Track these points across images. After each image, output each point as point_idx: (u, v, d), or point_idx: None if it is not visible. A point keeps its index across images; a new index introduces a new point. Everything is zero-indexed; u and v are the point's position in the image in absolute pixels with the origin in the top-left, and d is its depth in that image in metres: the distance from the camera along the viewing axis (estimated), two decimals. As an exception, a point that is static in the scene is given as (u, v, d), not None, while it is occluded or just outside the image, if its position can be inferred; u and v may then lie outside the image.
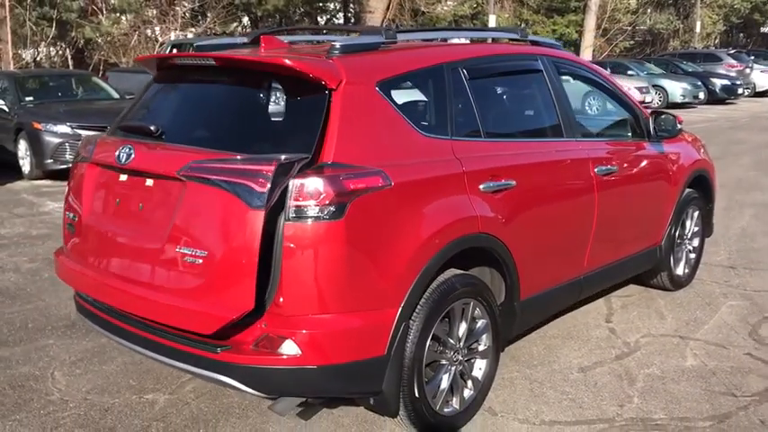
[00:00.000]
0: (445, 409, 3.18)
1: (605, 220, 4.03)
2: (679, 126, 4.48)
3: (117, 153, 3.02)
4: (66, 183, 3.56)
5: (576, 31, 32.61)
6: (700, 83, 22.83)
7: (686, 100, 22.01)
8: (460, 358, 3.24)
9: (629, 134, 4.51)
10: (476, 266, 3.38)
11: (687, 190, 5.01)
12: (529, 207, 3.45)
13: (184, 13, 18.52)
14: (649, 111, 4.59)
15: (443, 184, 3.03)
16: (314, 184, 2.60)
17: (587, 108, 4.77)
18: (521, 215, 3.40)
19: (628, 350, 4.17)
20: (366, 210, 2.71)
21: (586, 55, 31.39)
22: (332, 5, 27.57)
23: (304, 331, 2.65)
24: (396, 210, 2.81)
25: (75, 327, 4.44)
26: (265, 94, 2.90)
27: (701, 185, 5.22)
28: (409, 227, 2.85)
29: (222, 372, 2.70)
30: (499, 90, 3.74)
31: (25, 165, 9.90)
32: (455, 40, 4.29)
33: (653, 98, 20.93)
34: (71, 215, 3.33)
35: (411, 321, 2.92)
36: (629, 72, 22.97)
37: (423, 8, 25.51)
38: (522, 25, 33.46)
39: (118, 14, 17.10)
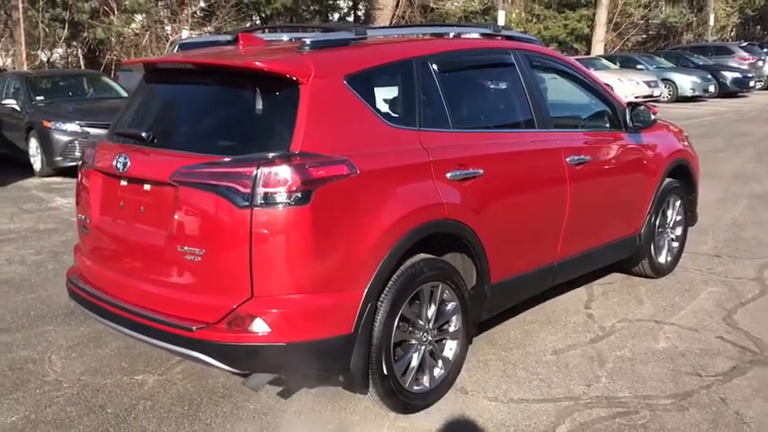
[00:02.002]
0: (415, 387, 3.34)
1: (579, 208, 4.17)
2: (653, 117, 4.60)
3: (114, 162, 3.21)
4: (75, 180, 3.76)
5: (588, 26, 32.55)
6: (710, 76, 22.76)
7: (696, 93, 21.97)
8: (430, 338, 3.40)
9: (607, 125, 4.64)
10: (449, 252, 3.55)
11: (668, 179, 5.13)
12: (497, 195, 3.60)
13: (194, 13, 18.76)
14: (626, 102, 4.71)
15: (409, 172, 3.19)
16: (281, 172, 2.77)
17: (563, 100, 4.85)
18: (489, 203, 3.55)
19: (603, 334, 4.31)
20: (332, 196, 2.87)
21: (598, 49, 31.34)
22: (342, 3, 27.69)
23: (273, 310, 2.83)
24: (361, 196, 2.98)
25: (74, 315, 4.64)
26: (243, 95, 3.08)
27: (683, 175, 5.33)
28: (375, 213, 3.01)
29: (198, 349, 2.89)
30: (469, 83, 3.88)
31: (36, 162, 10.18)
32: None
33: (662, 92, 20.92)
34: (83, 217, 3.53)
35: (379, 303, 3.09)
36: (639, 66, 22.98)
37: (432, 4, 25.59)
38: (527, 18, 33.49)
39: (129, 15, 17.36)
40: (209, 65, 3.23)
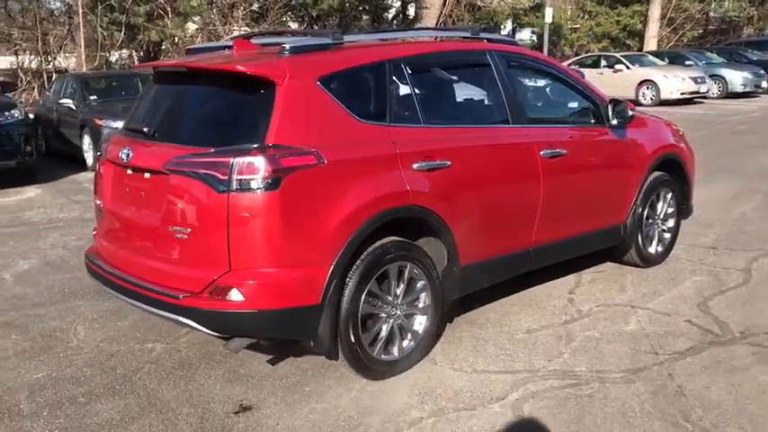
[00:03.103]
0: (383, 356, 3.72)
1: (555, 198, 4.47)
2: (630, 113, 4.84)
3: (120, 153, 3.72)
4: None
5: (641, 22, 32.15)
6: (763, 71, 22.26)
7: (747, 89, 21.54)
8: (399, 313, 3.77)
9: (589, 121, 4.92)
10: (424, 236, 3.92)
11: (657, 173, 5.36)
12: (464, 184, 3.94)
13: (245, 15, 19.46)
14: (608, 98, 4.96)
15: (376, 162, 3.57)
16: (253, 161, 3.20)
17: (547, 98, 5.13)
18: (456, 191, 3.89)
19: (578, 316, 4.60)
20: (300, 183, 3.28)
21: (651, 45, 30.92)
22: (390, 2, 28.07)
23: (246, 282, 3.26)
24: (328, 184, 3.37)
25: (103, 292, 5.16)
26: (228, 94, 3.53)
27: (675, 169, 5.54)
28: (341, 198, 3.40)
29: (184, 314, 3.34)
30: (442, 82, 4.23)
31: (88, 157, 10.92)
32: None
33: (709, 88, 20.61)
34: (99, 202, 4.05)
35: (348, 278, 3.49)
36: (687, 62, 22.68)
37: (479, 2, 25.74)
38: (579, 14, 33.16)
39: (183, 18, 18.15)
40: (200, 68, 3.68)
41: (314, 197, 3.33)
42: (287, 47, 3.57)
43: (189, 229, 3.33)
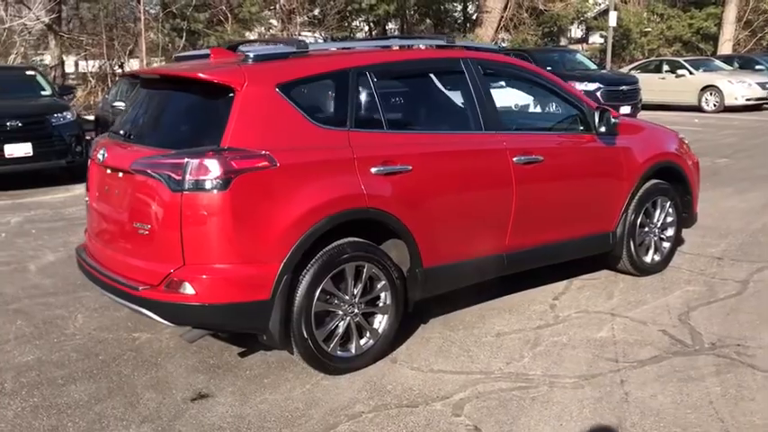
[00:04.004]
0: (339, 352, 3.87)
1: (530, 204, 4.51)
2: (614, 120, 4.82)
3: (97, 154, 4.01)
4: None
5: (715, 24, 31.09)
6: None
7: (824, 96, 20.55)
8: (357, 311, 3.91)
9: (573, 128, 4.93)
10: (390, 238, 4.05)
11: (653, 181, 5.32)
12: (427, 189, 4.04)
13: (303, 21, 19.94)
14: (596, 106, 4.96)
15: (331, 166, 3.73)
16: (206, 162, 3.41)
17: (528, 105, 5.12)
18: (418, 195, 4.00)
19: (553, 322, 4.62)
20: (251, 184, 3.47)
21: (725, 49, 29.84)
22: (450, 6, 28.11)
23: (198, 276, 3.47)
24: (280, 185, 3.55)
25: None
26: (193, 99, 3.76)
27: (675, 178, 5.48)
28: (292, 200, 3.57)
29: (142, 305, 3.58)
30: (410, 89, 4.34)
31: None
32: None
33: (778, 94, 19.79)
34: (86, 199, 4.36)
35: (301, 276, 3.66)
36: (758, 66, 21.84)
37: (541, 6, 25.49)
38: (649, 17, 32.27)
39: (243, 24, 18.75)
40: (170, 75, 3.93)
41: (265, 198, 3.52)
42: (251, 55, 3.78)
43: (149, 226, 3.57)
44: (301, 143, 3.70)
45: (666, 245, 5.58)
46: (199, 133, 3.65)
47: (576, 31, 39.29)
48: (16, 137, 9.68)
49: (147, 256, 3.63)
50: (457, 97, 4.41)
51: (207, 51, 4.43)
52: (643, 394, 3.60)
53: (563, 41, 35.68)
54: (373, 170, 3.84)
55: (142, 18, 16.46)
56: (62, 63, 18.95)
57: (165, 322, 3.62)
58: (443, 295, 4.67)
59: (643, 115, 17.99)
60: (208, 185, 3.41)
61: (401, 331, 4.36)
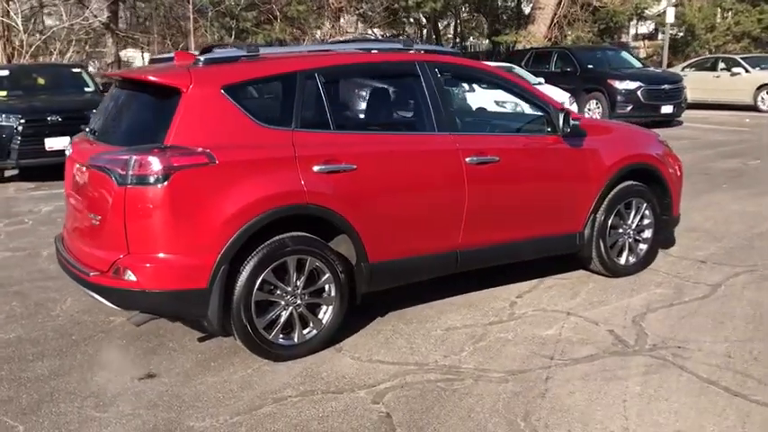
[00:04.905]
0: (281, 340, 4.09)
1: (485, 203, 4.62)
2: (572, 122, 4.85)
3: (65, 148, 4.35)
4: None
5: (788, 20, 29.85)
6: None
7: None
8: (299, 302, 4.12)
9: (538, 129, 5.00)
10: (340, 233, 4.25)
11: (628, 182, 5.34)
12: (372, 187, 4.21)
13: (348, 20, 20.25)
14: (560, 107, 5.00)
15: (271, 164, 3.95)
16: (148, 159, 3.68)
17: (488, 107, 5.19)
18: (362, 193, 4.18)
19: (506, 319, 4.72)
20: (189, 179, 3.73)
21: (795, 45, 28.61)
22: (503, 2, 27.92)
23: (140, 264, 3.75)
24: (218, 181, 3.79)
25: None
26: (146, 100, 4.05)
27: (651, 179, 5.47)
28: (230, 195, 3.81)
29: (93, 290, 3.90)
30: (360, 91, 4.51)
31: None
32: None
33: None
34: (63, 191, 4.72)
35: (242, 267, 3.90)
36: (821, 65, 20.89)
37: (595, 3, 25.05)
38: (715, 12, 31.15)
39: (290, 22, 19.19)
40: (128, 77, 4.22)
41: (203, 192, 3.77)
42: (201, 58, 4.03)
43: (100, 216, 3.88)
44: (243, 142, 3.93)
45: (643, 247, 5.58)
46: (149, 132, 3.92)
47: (642, 28, 38.36)
48: (56, 131, 10.29)
49: (99, 244, 3.93)
50: (410, 99, 4.56)
51: (171, 55, 4.72)
52: (561, 391, 3.69)
53: (624, 38, 34.93)
54: (315, 168, 4.04)
55: (191, 17, 17.10)
56: (119, 60, 19.84)
57: (114, 306, 3.92)
58: (408, 289, 4.87)
59: (692, 114, 17.56)
60: (148, 180, 3.68)
61: (355, 322, 4.58)
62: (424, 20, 25.62)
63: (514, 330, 4.52)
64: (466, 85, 6.70)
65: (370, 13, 22.32)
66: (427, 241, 4.52)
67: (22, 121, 10.25)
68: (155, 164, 3.67)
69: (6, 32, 16.40)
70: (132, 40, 19.26)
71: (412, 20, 24.42)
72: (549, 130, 5.01)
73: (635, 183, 5.39)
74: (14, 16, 16.25)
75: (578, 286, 5.33)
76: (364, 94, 4.55)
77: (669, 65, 24.55)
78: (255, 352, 4.07)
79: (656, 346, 4.22)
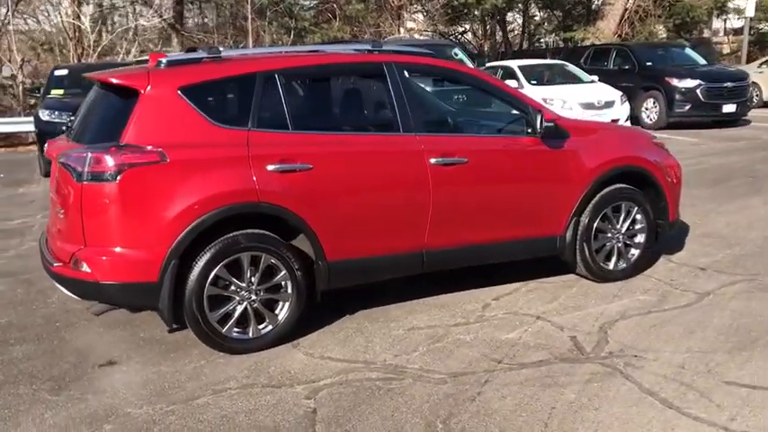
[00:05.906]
0: (235, 334, 4.21)
1: (451, 204, 4.61)
2: (547, 124, 4.75)
3: (45, 145, 4.62)
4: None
5: None
6: None
7: None
8: (254, 297, 4.23)
9: (514, 130, 4.94)
10: (298, 232, 4.34)
11: (617, 185, 5.20)
12: (329, 187, 4.27)
13: (407, 18, 20.29)
14: (538, 108, 4.91)
15: (224, 163, 4.07)
16: (101, 157, 3.87)
17: (459, 108, 5.07)
18: (318, 192, 4.25)
19: (473, 321, 4.69)
20: (141, 177, 3.90)
21: None
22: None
23: (94, 257, 3.95)
24: (170, 179, 3.94)
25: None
26: (111, 100, 4.25)
27: (643, 182, 5.31)
28: (181, 192, 3.95)
29: (55, 279, 4.13)
30: (322, 92, 4.56)
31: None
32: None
33: None
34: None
35: (194, 263, 4.04)
36: None
37: (667, -2, 24.17)
38: None
39: (349, 20, 19.41)
40: (96, 79, 4.43)
41: (154, 189, 3.93)
42: (163, 60, 4.20)
43: (63, 211, 4.10)
44: (198, 141, 4.07)
45: (635, 252, 5.42)
46: (110, 131, 4.11)
47: (731, 22, 36.67)
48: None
49: (62, 237, 4.16)
50: (375, 100, 4.59)
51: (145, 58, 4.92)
52: (493, 395, 3.66)
53: (706, 34, 33.49)
54: (270, 167, 4.14)
55: (249, 17, 17.55)
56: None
57: (73, 296, 4.14)
58: (382, 288, 4.92)
59: (764, 113, 16.71)
60: (102, 177, 3.87)
61: (321, 319, 4.66)
62: (486, 18, 25.35)
63: (476, 333, 4.49)
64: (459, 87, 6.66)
65: (430, 11, 22.29)
66: (389, 241, 4.55)
67: (73, 118, 10.78)
68: (107, 161, 3.86)
69: (78, 33, 17.33)
70: (197, 41, 19.93)
71: (476, 13, 24.17)
72: (529, 131, 4.93)
73: (624, 186, 5.24)
74: (84, 19, 17.15)
75: (560, 290, 5.23)
76: (328, 95, 4.61)
77: (749, 61, 23.39)
78: (209, 344, 4.21)
79: (612, 354, 4.11)
